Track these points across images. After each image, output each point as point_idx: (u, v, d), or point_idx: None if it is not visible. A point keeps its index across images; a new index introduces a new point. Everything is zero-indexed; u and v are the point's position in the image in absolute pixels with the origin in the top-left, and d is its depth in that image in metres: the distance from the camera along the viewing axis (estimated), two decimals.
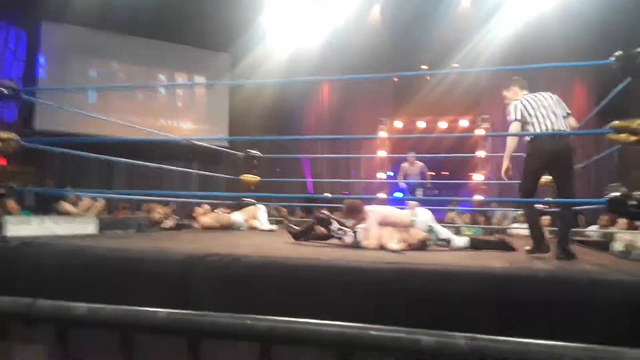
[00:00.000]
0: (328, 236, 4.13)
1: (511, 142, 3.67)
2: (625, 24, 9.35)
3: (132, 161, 6.25)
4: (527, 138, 3.55)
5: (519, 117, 3.52)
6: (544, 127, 3.44)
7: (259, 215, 6.29)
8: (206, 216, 6.23)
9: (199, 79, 13.26)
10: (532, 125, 3.49)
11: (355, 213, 4.03)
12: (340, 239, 3.98)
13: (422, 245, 3.80)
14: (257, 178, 6.84)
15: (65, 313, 1.45)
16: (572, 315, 1.99)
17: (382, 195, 11.16)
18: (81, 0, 10.44)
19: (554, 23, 9.97)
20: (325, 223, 4.15)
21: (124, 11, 10.74)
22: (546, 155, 3.42)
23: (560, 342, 1.21)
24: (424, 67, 11.81)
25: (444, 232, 3.99)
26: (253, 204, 6.37)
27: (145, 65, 12.70)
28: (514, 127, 3.56)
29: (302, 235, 4.39)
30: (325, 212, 4.47)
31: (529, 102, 3.55)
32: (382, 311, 2.17)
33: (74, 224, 6.24)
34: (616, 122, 2.77)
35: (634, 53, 2.75)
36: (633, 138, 2.71)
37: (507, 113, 3.67)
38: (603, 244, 6.74)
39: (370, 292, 2.22)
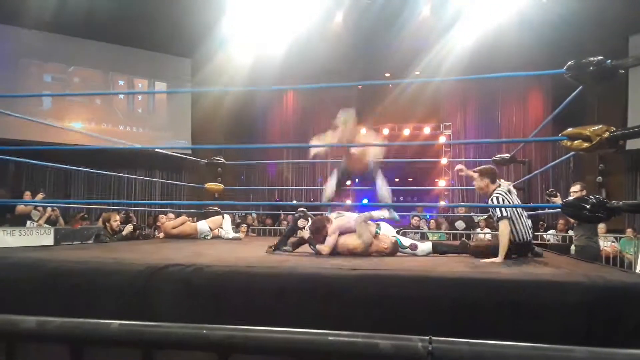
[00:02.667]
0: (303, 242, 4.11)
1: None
2: (577, 36, 9.78)
3: (91, 170, 6.07)
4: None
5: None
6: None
7: (224, 224, 6.22)
8: (172, 223, 6.14)
9: (160, 85, 12.95)
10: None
11: (321, 231, 3.95)
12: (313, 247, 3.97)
13: (394, 249, 3.86)
14: (221, 186, 6.77)
15: (12, 327, 1.38)
16: (530, 318, 2.04)
17: (349, 202, 11.20)
18: (35, 2, 10.09)
19: (511, 33, 10.30)
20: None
21: (80, 14, 10.41)
22: None
23: (512, 342, 1.24)
24: (387, 74, 11.98)
25: (406, 241, 4.04)
26: (219, 212, 6.28)
27: (102, 71, 12.35)
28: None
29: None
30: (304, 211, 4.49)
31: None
32: (346, 318, 2.17)
33: (29, 236, 6.04)
34: (569, 130, 2.85)
35: (584, 62, 2.85)
36: (585, 145, 2.78)
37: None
38: (562, 247, 7.00)
39: (334, 299, 2.21)
